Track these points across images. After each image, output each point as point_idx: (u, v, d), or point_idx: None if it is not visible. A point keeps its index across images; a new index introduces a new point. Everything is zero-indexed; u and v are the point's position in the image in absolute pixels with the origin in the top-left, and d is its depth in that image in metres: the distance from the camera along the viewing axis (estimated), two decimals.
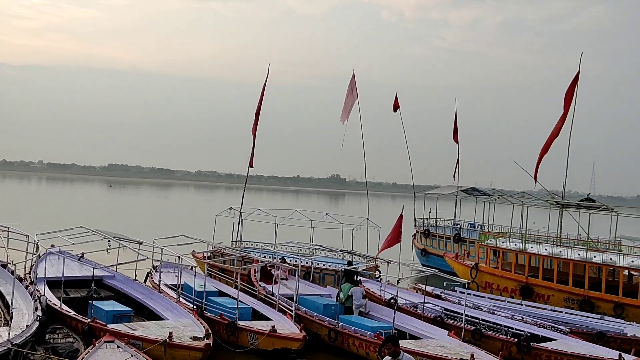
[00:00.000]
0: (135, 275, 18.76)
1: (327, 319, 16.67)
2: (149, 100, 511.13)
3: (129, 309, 15.77)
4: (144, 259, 18.42)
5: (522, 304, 20.91)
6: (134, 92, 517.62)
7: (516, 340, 15.88)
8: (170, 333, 13.28)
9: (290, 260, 22.81)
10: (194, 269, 20.02)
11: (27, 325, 12.87)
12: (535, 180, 29.14)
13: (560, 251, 23.66)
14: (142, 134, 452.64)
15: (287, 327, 15.53)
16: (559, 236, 27.89)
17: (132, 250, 18.51)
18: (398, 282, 17.19)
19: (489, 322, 17.36)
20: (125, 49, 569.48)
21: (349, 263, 22.46)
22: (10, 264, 17.54)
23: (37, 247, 18.35)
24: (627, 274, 22.54)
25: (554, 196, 29.39)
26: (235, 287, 17.38)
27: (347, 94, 31.09)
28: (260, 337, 14.82)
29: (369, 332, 15.41)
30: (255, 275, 20.69)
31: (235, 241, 27.61)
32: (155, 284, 18.48)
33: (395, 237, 22.04)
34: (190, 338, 13.76)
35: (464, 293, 18.86)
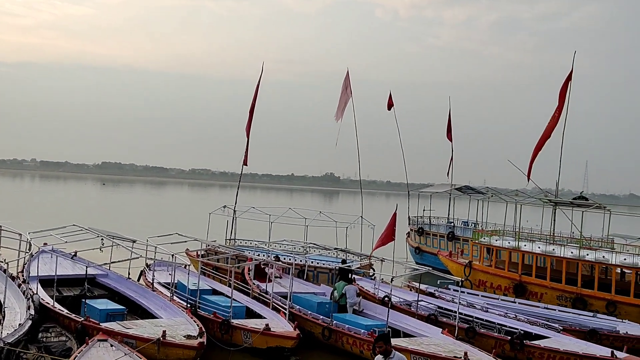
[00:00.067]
0: (129, 274, 18.69)
1: (321, 317, 16.67)
2: (142, 98, 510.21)
3: (122, 307, 15.72)
4: (138, 258, 18.35)
5: (515, 302, 20.99)
6: (127, 90, 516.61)
7: (509, 338, 15.94)
8: (164, 331, 13.24)
9: (284, 259, 22.82)
10: (187, 267, 20.04)
11: (19, 324, 12.80)
12: (529, 179, 29.26)
13: (554, 249, 23.75)
14: (136, 132, 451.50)
15: (281, 326, 15.52)
16: (552, 234, 28.00)
17: (126, 249, 18.44)
18: (392, 280, 17.24)
19: (482, 320, 17.41)
20: (119, 46, 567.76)
21: (343, 261, 22.48)
22: (2, 262, 17.44)
23: (30, 245, 18.25)
24: (619, 271, 22.65)
25: (547, 194, 29.50)
26: (229, 286, 17.35)
27: (342, 92, 31.13)
28: (254, 336, 14.81)
29: (362, 330, 15.42)
30: (249, 274, 20.67)
31: (229, 239, 27.58)
32: (149, 282, 18.44)
33: (389, 236, 22.05)
34: (184, 336, 13.73)
35: (457, 291, 18.93)
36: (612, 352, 14.71)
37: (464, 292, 20.69)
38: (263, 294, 18.43)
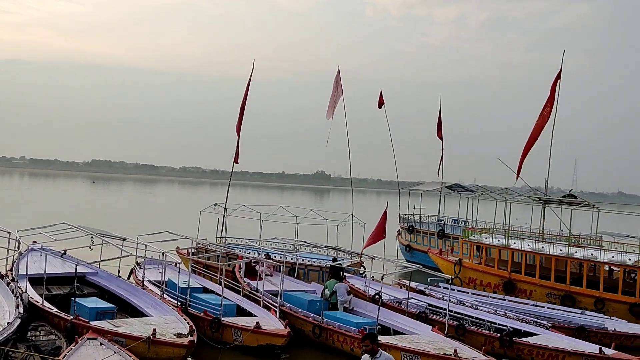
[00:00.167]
0: (119, 272, 18.63)
1: (312, 315, 16.69)
2: (133, 96, 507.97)
3: (112, 305, 15.65)
4: (128, 256, 18.29)
5: (505, 299, 21.11)
6: (118, 88, 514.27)
7: (499, 335, 16.04)
8: (154, 330, 13.21)
9: (275, 257, 22.82)
10: (178, 265, 19.95)
11: (8, 323, 12.73)
12: (517, 177, 29.38)
13: (543, 247, 23.89)
14: (126, 130, 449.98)
15: (272, 324, 15.52)
16: (541, 232, 28.17)
17: (116, 247, 18.38)
18: (382, 277, 17.25)
19: (472, 317, 17.50)
20: (110, 44, 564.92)
21: (334, 259, 22.50)
22: None
23: (19, 243, 18.16)
24: (607, 269, 22.83)
25: (536, 192, 29.68)
26: (220, 284, 17.33)
27: (333, 90, 31.15)
28: (245, 334, 14.80)
29: (353, 328, 15.46)
30: (239, 272, 20.65)
31: (220, 237, 27.54)
32: (139, 280, 18.37)
33: (379, 233, 22.07)
34: (174, 335, 13.69)
35: (447, 289, 18.98)
36: (600, 349, 14.83)
37: (454, 289, 20.80)
38: (254, 292, 18.42)
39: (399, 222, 39.18)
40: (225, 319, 15.39)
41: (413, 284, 20.71)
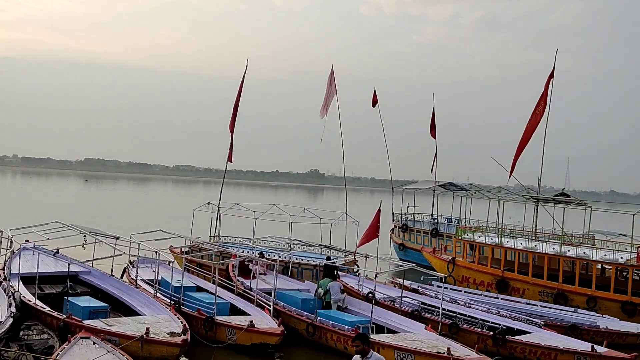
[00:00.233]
0: (112, 271, 18.58)
1: (306, 313, 16.70)
2: (126, 95, 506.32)
3: (106, 304, 15.60)
4: (121, 254, 18.18)
5: (498, 298, 21.20)
6: (111, 86, 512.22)
7: (492, 333, 16.10)
8: (147, 329, 13.18)
9: (269, 255, 22.82)
10: (171, 264, 19.92)
11: (0, 322, 12.68)
12: (510, 175, 29.44)
13: (536, 245, 23.98)
14: (120, 128, 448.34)
15: (266, 322, 15.53)
16: (534, 230, 28.27)
17: (109, 246, 18.28)
18: (376, 276, 17.29)
19: (465, 315, 17.56)
20: (104, 42, 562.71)
21: (328, 258, 22.51)
22: None
23: (11, 242, 18.07)
24: (600, 267, 22.94)
25: (529, 191, 29.79)
26: (213, 282, 17.32)
27: (327, 88, 31.16)
28: (239, 332, 14.80)
29: (346, 327, 15.48)
30: (233, 270, 20.63)
31: (213, 236, 27.47)
32: (132, 279, 18.33)
33: (373, 232, 22.08)
34: (168, 334, 13.67)
35: (441, 287, 19.04)
36: (593, 347, 14.91)
37: (447, 288, 20.85)
38: (247, 291, 18.41)
39: (393, 220, 39.22)
40: (219, 318, 15.38)
41: (407, 283, 20.74)
